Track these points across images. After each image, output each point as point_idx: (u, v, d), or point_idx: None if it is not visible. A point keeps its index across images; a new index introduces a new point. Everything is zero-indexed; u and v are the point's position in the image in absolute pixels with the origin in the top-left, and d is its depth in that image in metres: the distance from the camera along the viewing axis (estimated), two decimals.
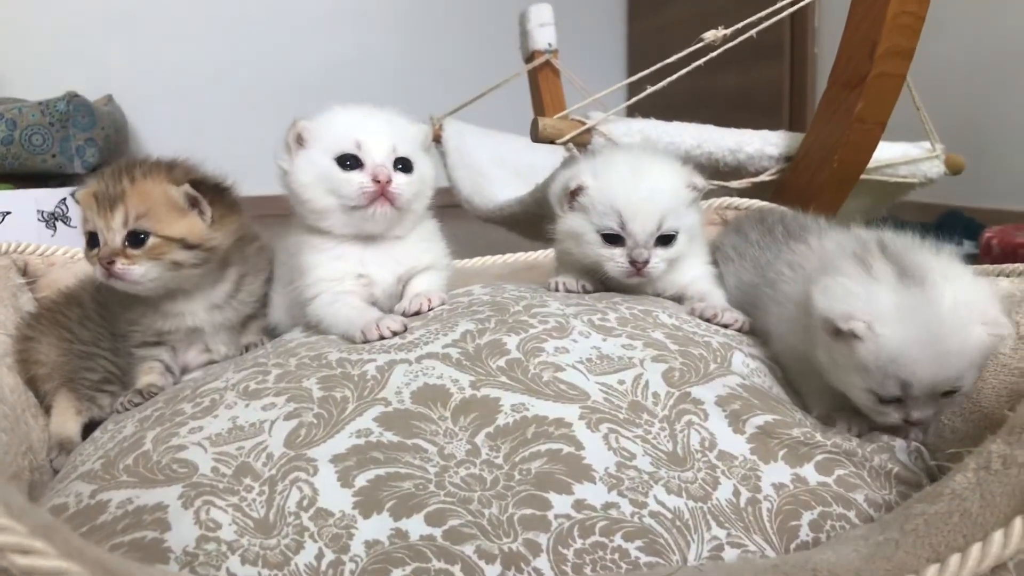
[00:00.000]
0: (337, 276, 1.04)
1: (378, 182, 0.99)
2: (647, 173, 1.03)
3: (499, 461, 0.77)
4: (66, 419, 1.05)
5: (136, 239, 0.97)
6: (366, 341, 0.95)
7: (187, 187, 0.98)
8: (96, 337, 1.08)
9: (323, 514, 0.72)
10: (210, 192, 1.01)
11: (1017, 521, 0.57)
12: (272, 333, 1.15)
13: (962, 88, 2.75)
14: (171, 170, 1.01)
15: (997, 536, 0.57)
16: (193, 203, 1.00)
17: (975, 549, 0.57)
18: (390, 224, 1.04)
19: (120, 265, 0.97)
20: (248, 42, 4.42)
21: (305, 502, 0.73)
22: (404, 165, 1.04)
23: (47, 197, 2.75)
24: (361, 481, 0.74)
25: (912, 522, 0.65)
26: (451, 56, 4.60)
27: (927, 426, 0.86)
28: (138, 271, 0.97)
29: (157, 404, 0.93)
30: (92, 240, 1.00)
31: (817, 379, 0.88)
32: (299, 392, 0.86)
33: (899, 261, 0.81)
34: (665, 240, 1.02)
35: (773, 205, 1.33)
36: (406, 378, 0.86)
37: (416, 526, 0.71)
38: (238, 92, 4.43)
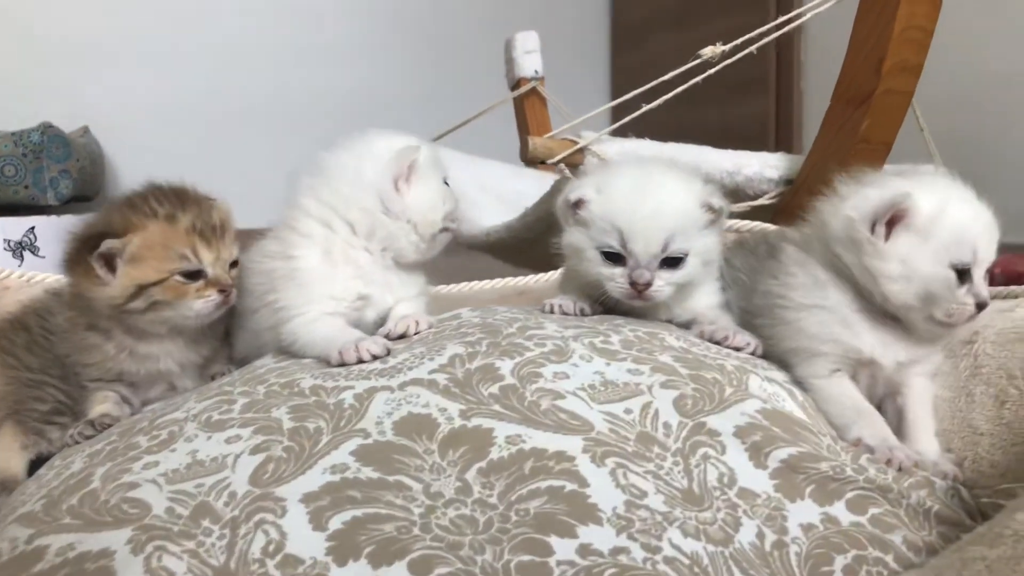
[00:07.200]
0: (345, 295, 0.98)
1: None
2: (655, 188, 0.95)
3: (493, 500, 0.69)
4: (11, 455, 0.95)
5: None
6: (343, 364, 0.87)
7: None
8: (45, 364, 0.99)
9: (292, 561, 0.64)
10: None
11: None
12: (241, 364, 1.05)
13: (955, 121, 2.73)
14: None
15: None
16: None
17: None
18: None
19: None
20: (226, 74, 4.38)
21: (271, 547, 0.65)
22: None
23: (14, 226, 2.69)
24: (336, 523, 0.66)
25: (971, 567, 0.57)
26: (437, 82, 4.58)
27: None
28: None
29: (111, 437, 0.84)
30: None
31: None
32: (267, 423, 0.77)
33: None
34: (672, 262, 0.94)
35: (772, 227, 1.26)
36: (388, 407, 0.78)
37: (398, 575, 0.62)
38: (216, 125, 4.36)
